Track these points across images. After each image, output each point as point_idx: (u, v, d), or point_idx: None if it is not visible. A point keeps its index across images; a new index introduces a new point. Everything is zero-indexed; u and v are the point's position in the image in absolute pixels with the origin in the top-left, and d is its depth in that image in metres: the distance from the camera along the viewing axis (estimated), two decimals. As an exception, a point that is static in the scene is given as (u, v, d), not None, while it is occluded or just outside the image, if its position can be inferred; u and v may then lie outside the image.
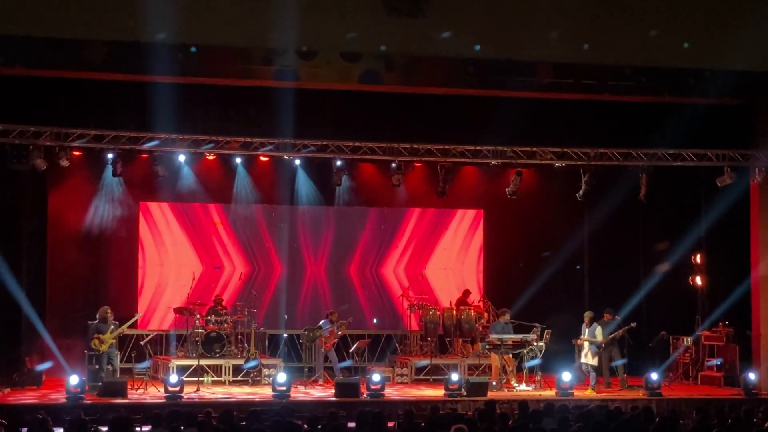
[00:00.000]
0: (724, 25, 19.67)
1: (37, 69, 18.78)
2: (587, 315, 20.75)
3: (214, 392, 19.43)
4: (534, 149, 21.25)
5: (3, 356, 19.90)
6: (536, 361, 20.12)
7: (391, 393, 19.35)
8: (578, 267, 23.95)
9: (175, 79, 19.39)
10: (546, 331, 20.30)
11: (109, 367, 19.30)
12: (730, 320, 21.66)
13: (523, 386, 19.95)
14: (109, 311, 19.58)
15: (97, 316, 19.54)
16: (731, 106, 21.27)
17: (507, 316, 20.63)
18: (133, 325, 20.38)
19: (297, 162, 22.05)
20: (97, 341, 19.22)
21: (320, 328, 20.89)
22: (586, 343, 20.47)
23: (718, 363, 21.38)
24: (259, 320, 22.10)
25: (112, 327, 19.41)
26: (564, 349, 21.06)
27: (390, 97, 20.82)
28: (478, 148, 21.12)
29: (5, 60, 18.34)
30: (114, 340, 19.44)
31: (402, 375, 21.42)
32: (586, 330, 20.54)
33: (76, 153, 20.66)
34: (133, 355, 20.19)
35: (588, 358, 20.42)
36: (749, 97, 20.88)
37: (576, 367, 20.47)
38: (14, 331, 20.78)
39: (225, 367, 20.79)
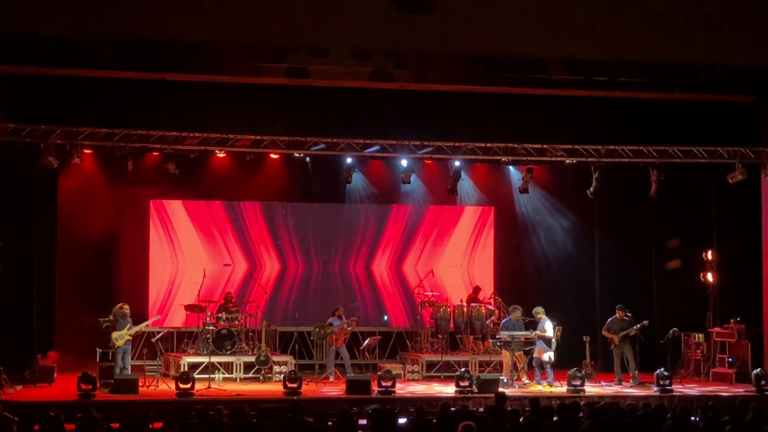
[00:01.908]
0: (735, 21, 19.61)
1: (47, 67, 18.81)
2: (538, 311, 20.58)
3: (225, 389, 19.44)
4: (545, 146, 21.23)
5: (14, 354, 19.95)
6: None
7: (402, 390, 19.35)
8: None
9: (186, 77, 19.43)
10: (557, 327, 20.29)
11: (121, 364, 19.34)
12: (742, 317, 21.62)
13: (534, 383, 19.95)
14: (126, 307, 19.65)
15: (114, 312, 19.61)
16: (743, 103, 21.22)
17: (518, 313, 20.58)
18: (144, 319, 20.40)
19: (307, 159, 22.07)
20: (116, 335, 19.27)
21: (331, 325, 20.90)
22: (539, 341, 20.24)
23: (731, 360, 21.37)
24: (269, 317, 22.13)
25: (129, 324, 19.47)
26: (575, 345, 21.03)
27: (400, 95, 20.81)
28: (489, 145, 21.11)
29: (15, 59, 18.38)
30: (130, 337, 19.49)
31: (413, 372, 21.41)
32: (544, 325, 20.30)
33: (87, 151, 20.72)
34: (144, 352, 20.23)
35: (538, 353, 20.18)
36: (761, 94, 20.83)
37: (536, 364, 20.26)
38: (25, 329, 20.85)
39: (236, 364, 20.81)
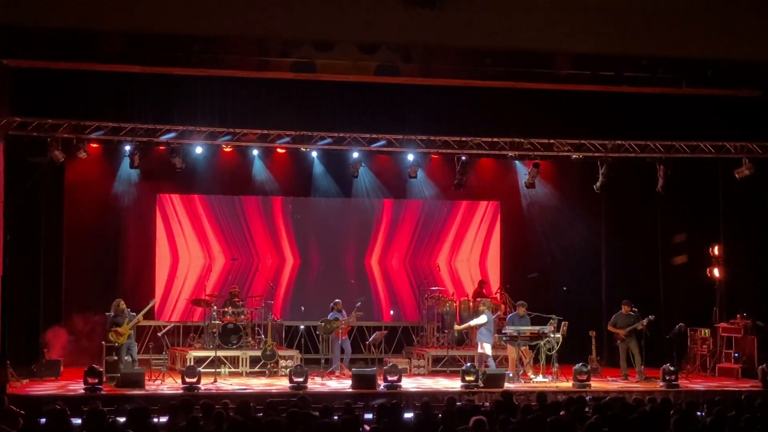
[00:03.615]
0: (742, 15, 19.57)
1: (54, 61, 18.82)
2: (485, 304, 20.72)
3: (231, 383, 19.48)
4: (551, 141, 21.22)
5: (21, 347, 19.99)
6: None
7: (408, 384, 19.38)
8: (565, 288, 23.81)
9: (192, 71, 19.43)
10: (563, 322, 20.29)
11: (128, 358, 19.36)
12: (748, 312, 21.59)
13: (540, 378, 19.95)
14: (122, 303, 19.66)
15: (112, 309, 19.63)
16: (750, 98, 21.15)
17: (523, 309, 20.62)
18: (150, 314, 20.41)
19: (314, 154, 22.08)
20: (114, 334, 19.31)
21: (337, 319, 20.89)
22: (479, 333, 20.31)
23: (737, 355, 21.35)
24: (276, 312, 22.17)
25: (128, 318, 19.49)
26: (581, 340, 21.02)
27: (407, 89, 20.79)
28: (495, 139, 21.11)
29: (22, 52, 18.39)
30: (131, 331, 19.50)
31: (419, 366, 21.42)
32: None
33: (94, 145, 20.75)
34: (150, 346, 20.25)
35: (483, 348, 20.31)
36: (768, 89, 20.82)
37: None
38: (32, 322, 20.86)
39: (242, 359, 20.83)
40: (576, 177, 23.26)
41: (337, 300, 21.25)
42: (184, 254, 23.07)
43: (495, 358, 21.34)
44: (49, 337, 20.61)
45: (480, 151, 21.44)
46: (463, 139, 21.04)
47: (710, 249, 22.97)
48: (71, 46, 18.34)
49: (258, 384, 19.52)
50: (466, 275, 24.10)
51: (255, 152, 22.33)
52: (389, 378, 18.74)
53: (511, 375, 19.72)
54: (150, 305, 20.47)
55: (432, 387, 19.52)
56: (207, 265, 22.74)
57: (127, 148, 20.42)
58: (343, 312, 21.03)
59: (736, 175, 21.24)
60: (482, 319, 20.25)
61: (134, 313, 19.64)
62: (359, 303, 21.60)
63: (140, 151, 20.38)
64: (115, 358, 19.40)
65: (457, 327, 21.42)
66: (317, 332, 21.94)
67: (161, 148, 20.97)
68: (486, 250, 24.28)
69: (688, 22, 19.44)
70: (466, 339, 22.56)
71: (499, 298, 22.93)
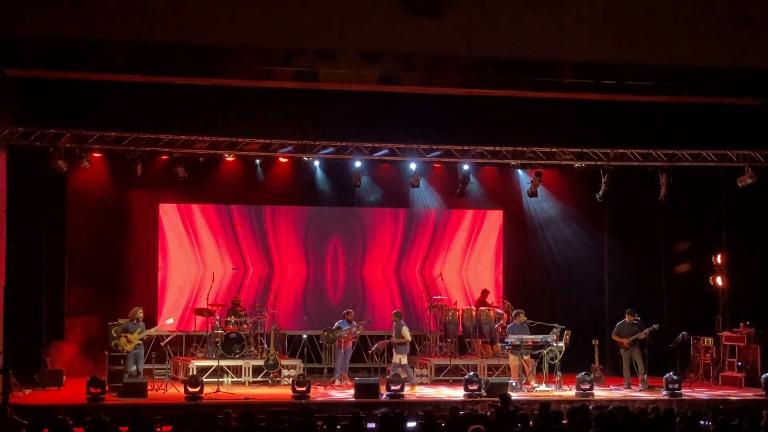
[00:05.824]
0: (744, 23, 19.56)
1: (56, 71, 18.83)
2: (397, 315, 20.87)
3: (234, 393, 19.44)
4: (553, 149, 21.22)
5: (24, 357, 19.95)
6: None
7: (411, 394, 19.35)
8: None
9: (195, 81, 19.43)
10: (565, 331, 20.26)
11: (134, 367, 19.32)
12: (751, 320, 21.56)
13: (542, 387, 19.91)
14: (140, 312, 19.67)
15: (129, 315, 19.64)
16: (752, 106, 21.15)
17: (522, 317, 20.60)
18: (152, 324, 20.37)
19: (316, 163, 22.09)
20: (123, 340, 19.28)
21: (339, 328, 20.87)
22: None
23: (740, 364, 21.32)
24: (279, 321, 22.14)
25: (140, 328, 19.47)
26: (584, 349, 20.98)
27: (409, 98, 20.78)
28: (498, 148, 21.11)
29: (25, 62, 18.40)
30: (141, 342, 19.47)
31: (421, 375, 21.39)
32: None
33: (97, 154, 20.74)
34: (153, 355, 20.25)
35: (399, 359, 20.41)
36: (770, 97, 20.81)
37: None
38: (35, 332, 20.85)
39: (244, 368, 20.82)
40: (578, 186, 23.25)
41: (349, 309, 21.27)
42: (187, 263, 23.05)
43: (497, 367, 21.36)
44: (51, 346, 20.64)
45: (482, 160, 21.44)
46: (466, 147, 21.04)
47: (713, 257, 22.95)
48: (74, 56, 18.32)
49: (261, 393, 19.50)
50: (475, 284, 24.01)
51: (257, 161, 22.34)
52: (392, 387, 18.73)
53: (513, 384, 19.68)
54: (168, 322, 20.51)
55: (435, 396, 19.49)
56: (209, 274, 22.69)
57: (130, 157, 20.40)
58: (353, 322, 20.99)
59: (739, 184, 21.24)
60: (407, 333, 20.29)
61: (143, 323, 19.62)
62: (370, 322, 21.63)
63: (143, 160, 20.38)
64: (118, 367, 19.38)
65: (394, 340, 20.90)
66: (320, 341, 21.94)
67: (164, 157, 20.97)
68: (488, 259, 24.23)
69: (691, 31, 19.41)
70: (469, 348, 22.60)
71: (501, 306, 22.89)
